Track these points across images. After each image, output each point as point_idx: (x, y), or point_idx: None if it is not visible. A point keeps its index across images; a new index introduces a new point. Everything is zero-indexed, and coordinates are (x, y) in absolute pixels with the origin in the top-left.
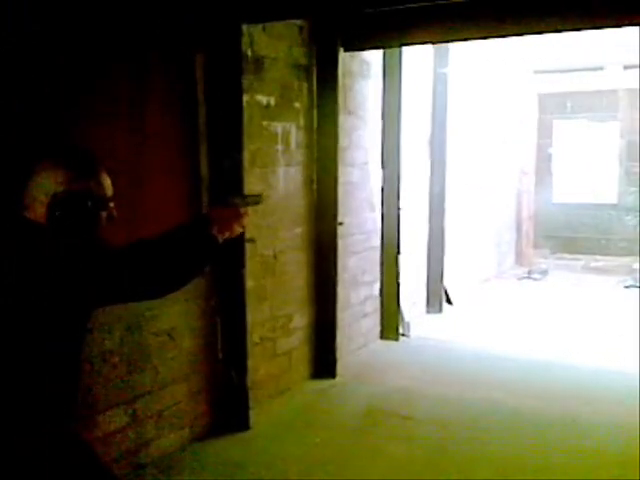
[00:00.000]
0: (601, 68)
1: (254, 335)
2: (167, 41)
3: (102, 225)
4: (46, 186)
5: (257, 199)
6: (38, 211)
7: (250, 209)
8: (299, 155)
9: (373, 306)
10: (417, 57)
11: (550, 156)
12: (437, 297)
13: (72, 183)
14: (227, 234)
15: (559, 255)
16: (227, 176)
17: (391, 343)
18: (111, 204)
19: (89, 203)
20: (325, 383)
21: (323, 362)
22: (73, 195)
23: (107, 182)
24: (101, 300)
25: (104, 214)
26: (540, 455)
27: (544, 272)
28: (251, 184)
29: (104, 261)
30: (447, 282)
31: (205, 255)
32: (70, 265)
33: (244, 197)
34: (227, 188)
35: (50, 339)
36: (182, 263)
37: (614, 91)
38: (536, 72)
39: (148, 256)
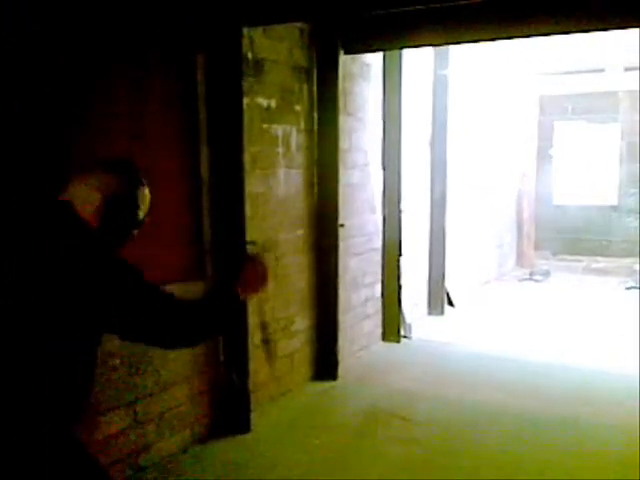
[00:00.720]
0: (602, 70)
1: (255, 337)
2: (168, 43)
3: (133, 239)
4: (102, 187)
5: (269, 247)
6: (87, 210)
7: (250, 212)
8: (300, 157)
9: (374, 308)
10: (417, 59)
11: (551, 158)
12: (438, 299)
13: (124, 189)
14: (251, 294)
15: (560, 257)
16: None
17: (392, 345)
18: (146, 219)
19: (139, 213)
20: (326, 385)
21: (324, 364)
22: (124, 200)
23: (148, 197)
24: (124, 322)
25: (135, 232)
26: (541, 456)
27: (545, 274)
28: (252, 186)
29: (141, 287)
30: (448, 284)
31: (230, 318)
32: (116, 270)
33: (261, 248)
34: (228, 191)
35: (68, 337)
36: (209, 328)
37: (614, 93)
38: (539, 74)
39: (184, 311)
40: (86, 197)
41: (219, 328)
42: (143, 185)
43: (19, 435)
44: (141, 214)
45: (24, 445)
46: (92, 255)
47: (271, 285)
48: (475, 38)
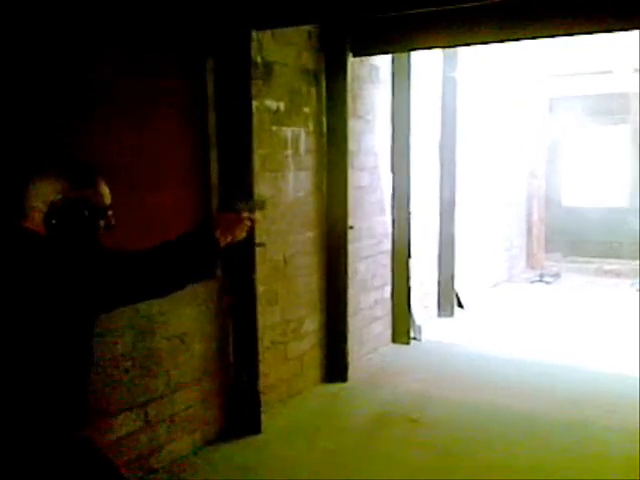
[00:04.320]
0: (611, 71)
1: (265, 339)
2: (177, 46)
3: (99, 233)
4: (44, 195)
5: (261, 204)
6: (36, 220)
7: (260, 214)
8: (309, 160)
9: (384, 310)
10: (426, 61)
11: (561, 159)
12: (448, 301)
13: (70, 192)
14: (229, 238)
15: (571, 258)
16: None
17: (402, 347)
18: (109, 212)
19: (86, 212)
20: (336, 387)
21: (334, 366)
22: (70, 203)
23: (105, 191)
24: (104, 303)
25: (102, 223)
26: (550, 459)
27: (556, 275)
28: (261, 189)
29: (104, 263)
30: (458, 286)
31: (207, 257)
32: (69, 270)
33: (248, 202)
34: (237, 194)
35: (54, 345)
36: (185, 264)
37: (625, 94)
38: (548, 75)
39: (151, 258)
40: (35, 204)
41: (196, 264)
42: (95, 182)
43: (21, 440)
44: (95, 211)
45: (26, 450)
46: (40, 262)
47: (281, 286)
48: (484, 40)
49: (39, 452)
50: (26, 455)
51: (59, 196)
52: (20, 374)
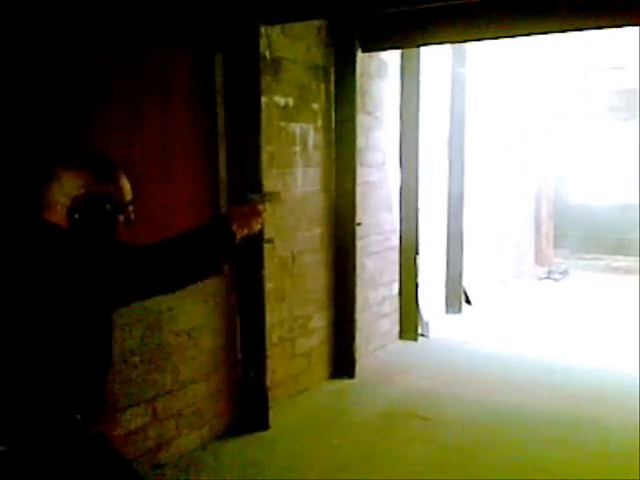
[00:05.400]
0: (621, 67)
1: (273, 335)
2: (187, 41)
3: (119, 228)
4: (68, 189)
5: (273, 197)
6: (59, 213)
7: (268, 209)
8: (317, 156)
9: (392, 306)
10: (435, 57)
11: (570, 156)
12: (456, 297)
13: (92, 187)
14: (245, 231)
15: (580, 255)
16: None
17: (410, 343)
18: (130, 208)
19: (108, 207)
20: (344, 383)
21: (342, 362)
22: (93, 199)
23: (126, 186)
24: (121, 297)
25: (122, 218)
26: (558, 457)
27: (564, 272)
28: (269, 185)
29: (121, 258)
30: (466, 282)
31: (223, 251)
32: (89, 263)
33: (262, 195)
34: (246, 188)
35: (73, 338)
36: (200, 259)
37: (634, 90)
38: (557, 71)
39: (167, 252)
40: (58, 198)
41: (212, 258)
42: (117, 178)
43: (38, 433)
44: (116, 206)
45: (43, 444)
46: (62, 256)
47: (288, 283)
48: (494, 35)
49: (56, 446)
50: (44, 449)
51: (82, 191)
52: (38, 367)
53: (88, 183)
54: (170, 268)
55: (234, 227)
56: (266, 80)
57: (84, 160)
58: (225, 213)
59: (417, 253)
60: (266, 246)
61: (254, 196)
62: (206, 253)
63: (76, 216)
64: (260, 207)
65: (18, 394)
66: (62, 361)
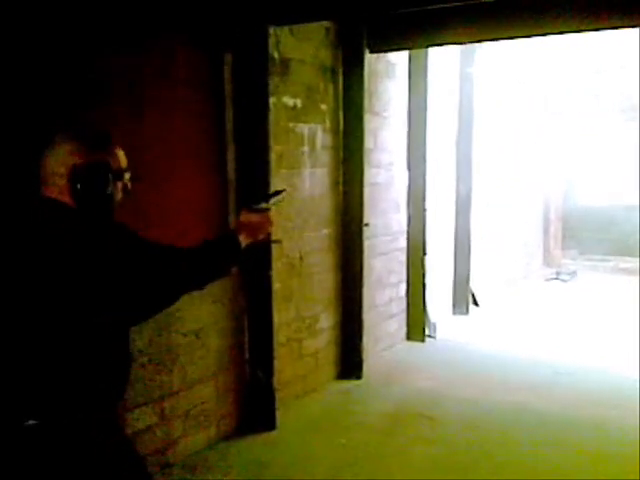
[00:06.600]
0: (623, 67)
1: (280, 336)
2: (196, 41)
3: (119, 197)
4: (64, 158)
5: (279, 198)
6: (59, 185)
7: (275, 210)
8: (325, 156)
9: (399, 307)
10: (443, 57)
11: (578, 157)
12: (463, 298)
13: (89, 155)
14: (251, 239)
15: (588, 256)
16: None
17: (417, 344)
18: (127, 175)
19: (110, 175)
20: (351, 384)
21: (349, 363)
22: (93, 166)
23: (121, 153)
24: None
25: (120, 185)
26: (564, 458)
27: (572, 273)
28: (277, 185)
29: (142, 257)
30: (474, 283)
31: (229, 261)
32: (112, 256)
33: (268, 198)
34: (254, 190)
35: (95, 327)
36: (208, 271)
37: (636, 91)
38: (562, 72)
39: (176, 268)
40: (55, 169)
41: (219, 267)
42: (112, 145)
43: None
44: (114, 174)
45: (70, 428)
46: (76, 239)
47: (296, 283)
48: (502, 36)
49: (83, 425)
50: (72, 426)
51: (79, 159)
52: (66, 350)
53: (83, 150)
54: (178, 285)
55: (241, 238)
56: (274, 81)
57: (75, 130)
58: (234, 228)
59: (425, 254)
60: (274, 247)
61: (264, 204)
62: (214, 267)
63: (78, 186)
64: (268, 215)
65: (48, 374)
66: (89, 346)
